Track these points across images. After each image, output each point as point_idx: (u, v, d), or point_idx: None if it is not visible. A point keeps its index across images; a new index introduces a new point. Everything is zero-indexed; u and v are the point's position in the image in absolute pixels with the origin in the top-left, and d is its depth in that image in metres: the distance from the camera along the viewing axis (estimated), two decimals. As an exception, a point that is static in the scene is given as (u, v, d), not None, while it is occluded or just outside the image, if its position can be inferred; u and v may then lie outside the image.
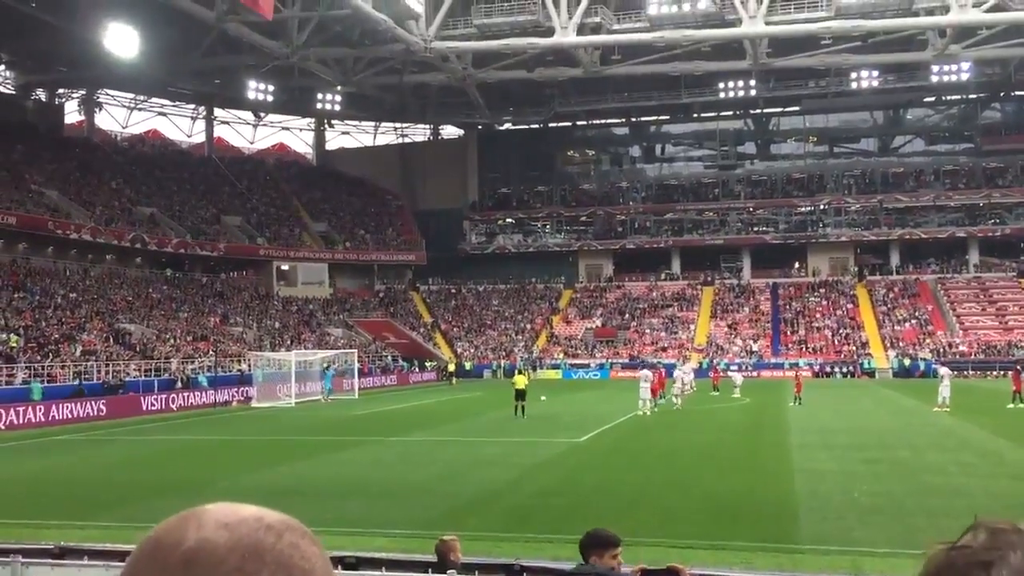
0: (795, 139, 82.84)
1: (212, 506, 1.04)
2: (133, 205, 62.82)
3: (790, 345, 67.19)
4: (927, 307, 68.89)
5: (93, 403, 35.97)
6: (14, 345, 39.62)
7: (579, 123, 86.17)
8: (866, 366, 62.47)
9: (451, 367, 63.02)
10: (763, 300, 73.63)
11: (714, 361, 60.61)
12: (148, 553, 0.99)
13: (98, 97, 75.26)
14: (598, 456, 23.19)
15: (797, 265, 77.97)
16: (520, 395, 33.25)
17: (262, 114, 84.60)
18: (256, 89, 70.92)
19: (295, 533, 1.04)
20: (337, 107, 78.31)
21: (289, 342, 56.32)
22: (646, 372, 36.73)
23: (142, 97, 78.23)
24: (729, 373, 49.73)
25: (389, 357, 65.56)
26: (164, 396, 40.23)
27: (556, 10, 51.66)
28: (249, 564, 0.97)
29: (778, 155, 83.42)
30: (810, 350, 65.88)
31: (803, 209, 78.88)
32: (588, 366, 66.73)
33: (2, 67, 67.23)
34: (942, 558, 0.85)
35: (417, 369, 64.42)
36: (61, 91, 72.55)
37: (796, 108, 79.91)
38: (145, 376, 42.55)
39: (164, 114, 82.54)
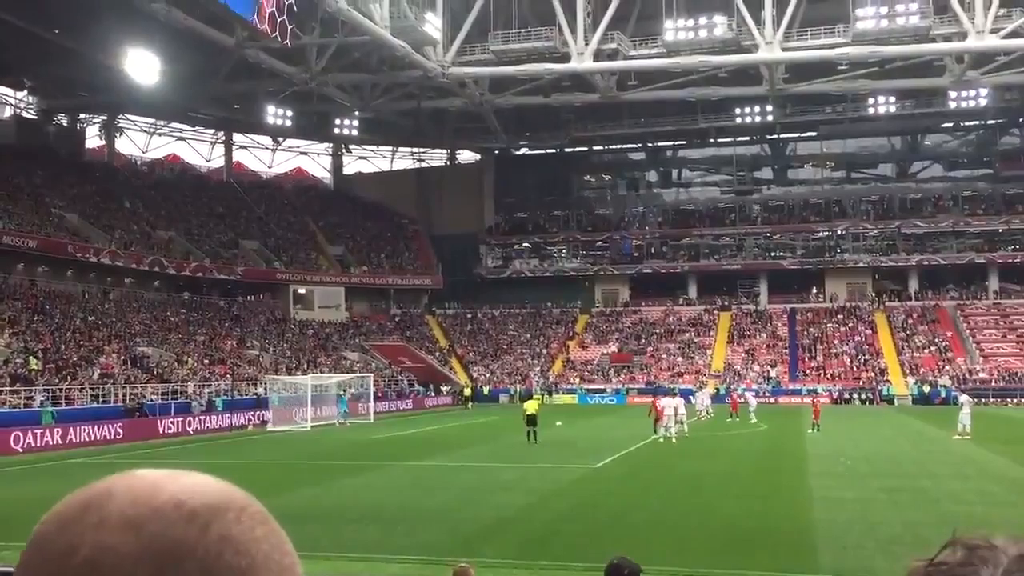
0: (812, 164, 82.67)
1: (121, 484, 0.80)
2: (152, 229, 63.27)
3: (808, 371, 66.72)
4: (946, 333, 68.32)
5: (110, 426, 36.08)
6: (34, 368, 39.84)
7: (595, 148, 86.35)
8: (885, 393, 61.91)
9: (467, 391, 62.89)
10: (780, 326, 73.22)
11: (731, 387, 60.21)
12: (34, 563, 0.78)
13: (119, 122, 76.05)
14: (614, 483, 23.03)
15: (815, 290, 77.56)
16: (531, 420, 32.81)
17: (280, 139, 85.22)
18: (275, 114, 71.64)
19: (226, 519, 0.80)
20: (355, 132, 78.96)
21: (305, 366, 56.38)
22: (667, 400, 36.15)
23: (162, 122, 79.01)
24: (745, 395, 49.38)
25: (405, 381, 65.52)
26: (180, 419, 40.30)
27: (573, 36, 51.94)
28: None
29: (795, 180, 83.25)
30: (828, 376, 65.39)
31: (820, 234, 78.58)
32: (604, 391, 66.44)
33: (24, 92, 68.09)
34: (921, 574, 0.86)
35: (433, 393, 64.33)
36: (82, 116, 73.37)
37: (813, 133, 79.82)
38: (162, 399, 42.65)
39: (184, 139, 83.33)
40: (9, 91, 67.43)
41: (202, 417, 41.82)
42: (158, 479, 0.81)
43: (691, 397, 48.69)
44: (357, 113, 71.33)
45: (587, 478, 23.87)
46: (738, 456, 29.00)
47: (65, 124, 71.61)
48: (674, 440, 33.15)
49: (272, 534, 0.83)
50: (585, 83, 60.05)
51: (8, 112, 68.48)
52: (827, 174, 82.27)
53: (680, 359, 70.12)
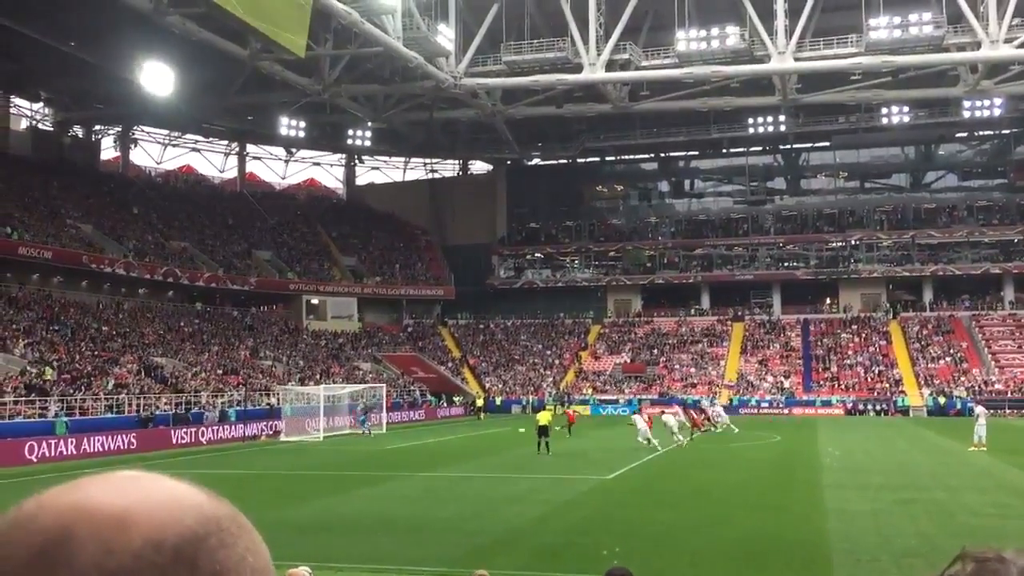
0: (825, 174, 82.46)
1: (79, 522, 0.66)
2: (166, 240, 63.60)
3: (822, 382, 66.40)
4: (962, 344, 67.88)
5: (124, 436, 36.18)
6: (48, 378, 40.03)
7: (608, 158, 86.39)
8: (900, 404, 61.54)
9: (479, 402, 62.83)
10: (794, 336, 72.93)
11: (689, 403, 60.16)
12: None
13: (133, 133, 76.60)
14: (626, 494, 22.94)
15: (828, 301, 77.27)
16: (543, 431, 32.88)
17: (294, 150, 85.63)
18: (288, 125, 72.06)
19: (210, 546, 0.69)
20: (367, 143, 79.29)
21: (318, 376, 56.47)
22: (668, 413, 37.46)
23: (176, 133, 79.51)
24: (716, 409, 49.22)
25: (417, 392, 65.53)
26: (194, 429, 40.38)
27: (585, 47, 52.01)
28: None
29: (808, 190, 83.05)
30: (842, 387, 65.05)
31: (834, 244, 78.30)
32: (617, 402, 66.25)
33: (40, 104, 68.66)
34: None
35: (445, 404, 64.31)
36: (97, 128, 73.92)
37: (826, 143, 79.63)
38: (176, 409, 42.77)
39: (197, 150, 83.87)
40: (25, 103, 68.03)
41: (215, 427, 41.90)
42: (119, 510, 0.68)
43: (705, 407, 48.59)
44: (370, 124, 71.61)
45: (600, 489, 23.79)
46: (751, 467, 28.86)
47: (80, 136, 72.14)
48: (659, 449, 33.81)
49: (251, 542, 0.74)
50: (597, 94, 60.10)
51: (24, 124, 69.04)
52: (840, 184, 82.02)
53: (693, 370, 69.91)
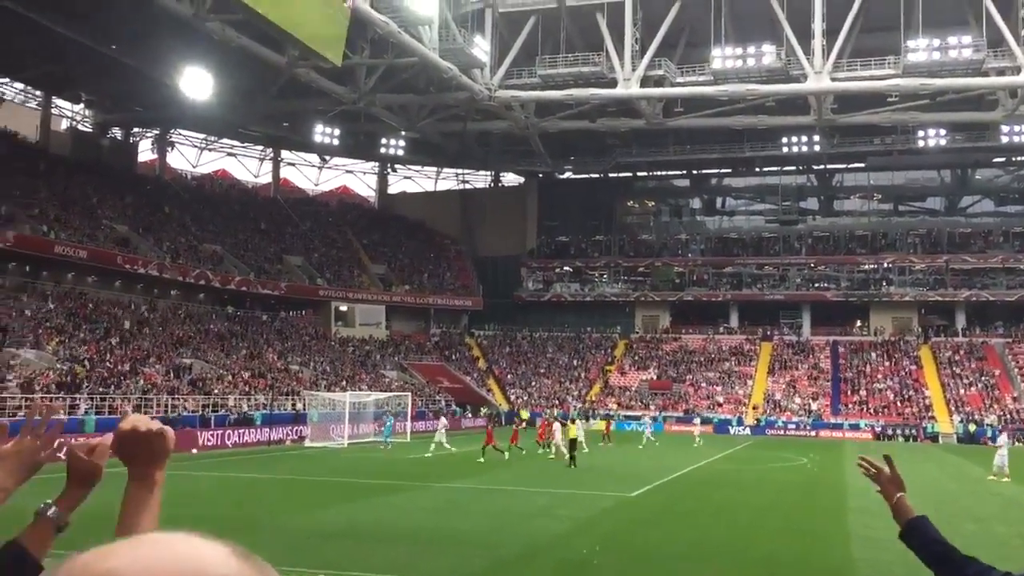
0: (859, 196, 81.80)
1: None
2: (199, 242, 64.22)
3: (850, 405, 65.70)
4: (994, 371, 66.93)
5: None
6: (80, 375, 40.49)
7: (639, 174, 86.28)
8: (929, 430, 60.75)
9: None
10: (823, 358, 72.28)
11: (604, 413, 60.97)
12: None
13: (171, 137, 77.49)
14: (650, 512, 22.81)
15: (859, 323, 76.55)
16: (571, 445, 33.29)
17: (327, 157, 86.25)
18: (322, 133, 72.68)
19: None
20: (400, 152, 79.76)
21: (344, 382, 56.70)
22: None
23: (213, 138, 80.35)
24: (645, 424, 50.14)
25: (443, 401, 65.60)
26: (219, 432, 40.68)
27: (620, 62, 52.06)
28: None
29: (841, 211, 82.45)
30: (871, 411, 64.34)
31: (866, 267, 77.58)
32: (641, 418, 65.83)
33: (81, 106, 69.66)
34: None
35: (470, 414, 64.30)
36: (136, 130, 74.84)
37: (861, 165, 79.05)
38: (203, 411, 43.12)
39: (233, 155, 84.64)
40: (67, 104, 69.05)
41: (241, 431, 42.18)
42: None
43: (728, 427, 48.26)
44: (403, 133, 72.00)
45: (623, 506, 23.67)
46: (776, 489, 28.61)
47: (119, 138, 73.08)
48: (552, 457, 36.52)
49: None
50: (631, 109, 60.10)
51: (65, 125, 70.09)
52: (874, 206, 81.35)
53: (719, 388, 69.48)
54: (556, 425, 38.75)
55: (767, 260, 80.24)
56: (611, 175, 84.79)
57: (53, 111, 67.32)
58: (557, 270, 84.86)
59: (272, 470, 31.53)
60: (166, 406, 41.90)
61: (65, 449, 2.24)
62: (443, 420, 46.38)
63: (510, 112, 60.80)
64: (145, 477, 2.17)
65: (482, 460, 34.82)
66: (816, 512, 23.41)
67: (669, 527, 20.31)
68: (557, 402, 69.15)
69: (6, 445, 2.29)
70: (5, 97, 63.13)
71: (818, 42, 49.83)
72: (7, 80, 62.55)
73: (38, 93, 65.36)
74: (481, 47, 52.50)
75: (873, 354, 71.72)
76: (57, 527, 2.20)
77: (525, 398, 70.92)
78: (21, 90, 64.83)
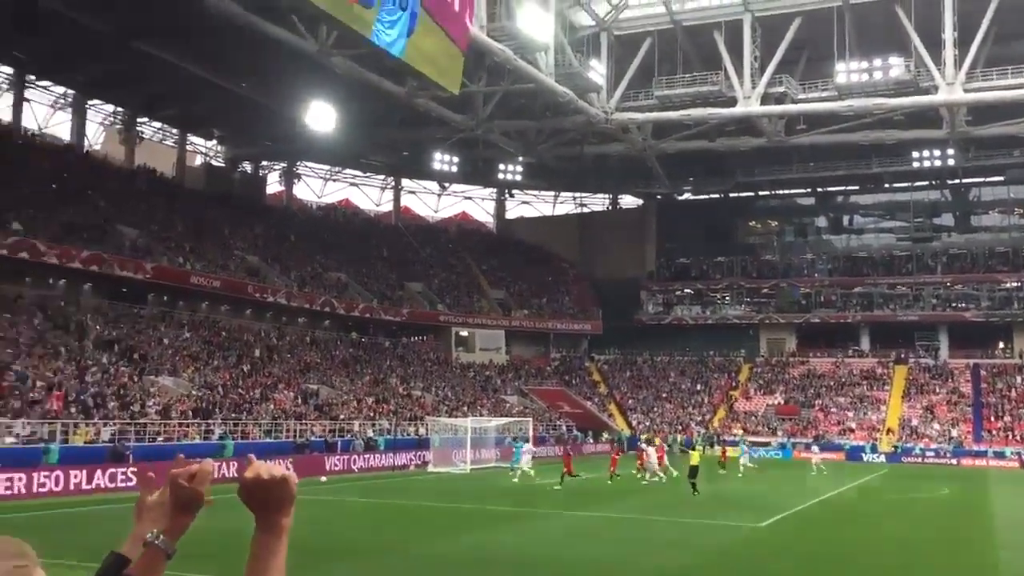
0: (999, 211, 77.75)
1: None
2: (324, 270, 65.99)
3: (994, 432, 62.12)
4: None
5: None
6: (214, 402, 41.96)
7: (761, 193, 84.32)
8: (1083, 458, 56.82)
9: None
10: (963, 382, 68.66)
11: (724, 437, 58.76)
12: None
13: (297, 169, 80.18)
14: (781, 546, 21.94)
15: (1001, 345, 72.45)
16: (693, 472, 32.65)
17: (446, 184, 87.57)
18: (441, 160, 73.92)
19: None
20: (518, 177, 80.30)
21: (465, 408, 57.06)
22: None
23: (336, 168, 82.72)
24: (741, 450, 48.96)
25: (564, 427, 65.27)
26: (345, 457, 41.43)
27: (739, 80, 51.06)
28: None
29: (979, 227, 78.49)
30: (1017, 438, 60.66)
31: (1008, 285, 73.41)
32: (769, 444, 63.97)
33: (214, 141, 72.90)
34: None
35: (591, 440, 63.71)
36: (264, 163, 77.77)
37: (1000, 178, 75.15)
38: (328, 436, 44.03)
39: (356, 184, 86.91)
40: (201, 140, 72.39)
41: (366, 456, 42.87)
42: None
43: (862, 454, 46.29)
44: (520, 159, 72.42)
45: (752, 538, 22.87)
46: (917, 522, 27.14)
47: (249, 171, 76.04)
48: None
49: None
50: (751, 127, 58.84)
51: (199, 160, 73.46)
52: (1015, 221, 77.13)
53: (851, 413, 66.83)
54: (650, 449, 40.62)
55: (899, 279, 76.95)
56: (731, 195, 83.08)
57: (188, 147, 70.60)
58: (677, 292, 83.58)
59: (400, 496, 31.82)
60: (294, 432, 42.96)
61: (167, 476, 2.26)
62: (527, 446, 42.88)
63: (627, 134, 60.38)
64: (272, 524, 2.19)
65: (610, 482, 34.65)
66: (957, 547, 22.03)
67: (801, 563, 19.45)
68: (680, 427, 67.90)
69: (152, 496, 2.35)
70: (144, 135, 66.57)
71: (949, 52, 47.70)
72: (146, 119, 65.98)
73: (174, 131, 68.66)
74: (597, 70, 52.37)
75: (1018, 378, 67.67)
76: (167, 555, 2.24)
77: (647, 423, 69.84)
78: (159, 128, 68.26)
